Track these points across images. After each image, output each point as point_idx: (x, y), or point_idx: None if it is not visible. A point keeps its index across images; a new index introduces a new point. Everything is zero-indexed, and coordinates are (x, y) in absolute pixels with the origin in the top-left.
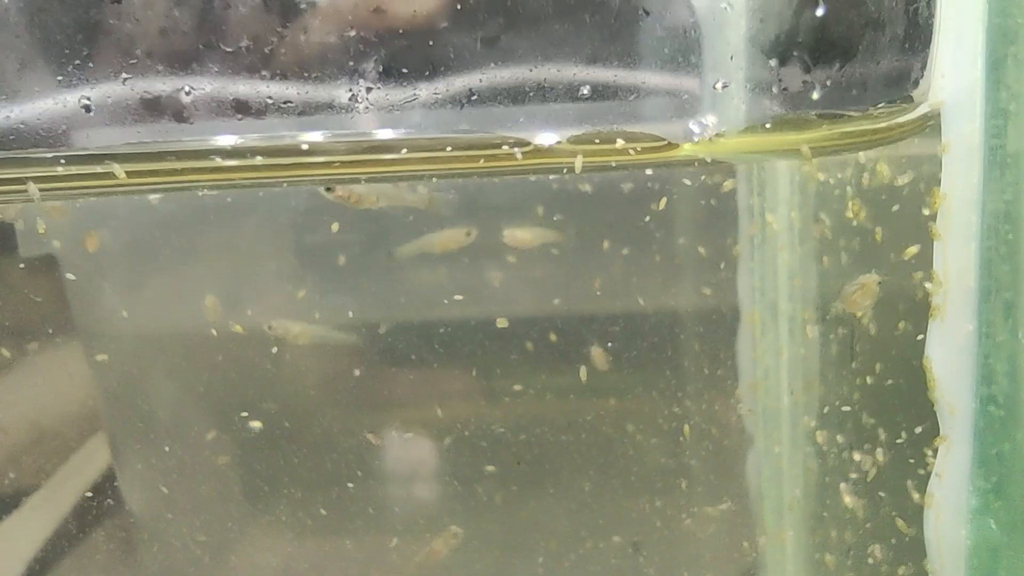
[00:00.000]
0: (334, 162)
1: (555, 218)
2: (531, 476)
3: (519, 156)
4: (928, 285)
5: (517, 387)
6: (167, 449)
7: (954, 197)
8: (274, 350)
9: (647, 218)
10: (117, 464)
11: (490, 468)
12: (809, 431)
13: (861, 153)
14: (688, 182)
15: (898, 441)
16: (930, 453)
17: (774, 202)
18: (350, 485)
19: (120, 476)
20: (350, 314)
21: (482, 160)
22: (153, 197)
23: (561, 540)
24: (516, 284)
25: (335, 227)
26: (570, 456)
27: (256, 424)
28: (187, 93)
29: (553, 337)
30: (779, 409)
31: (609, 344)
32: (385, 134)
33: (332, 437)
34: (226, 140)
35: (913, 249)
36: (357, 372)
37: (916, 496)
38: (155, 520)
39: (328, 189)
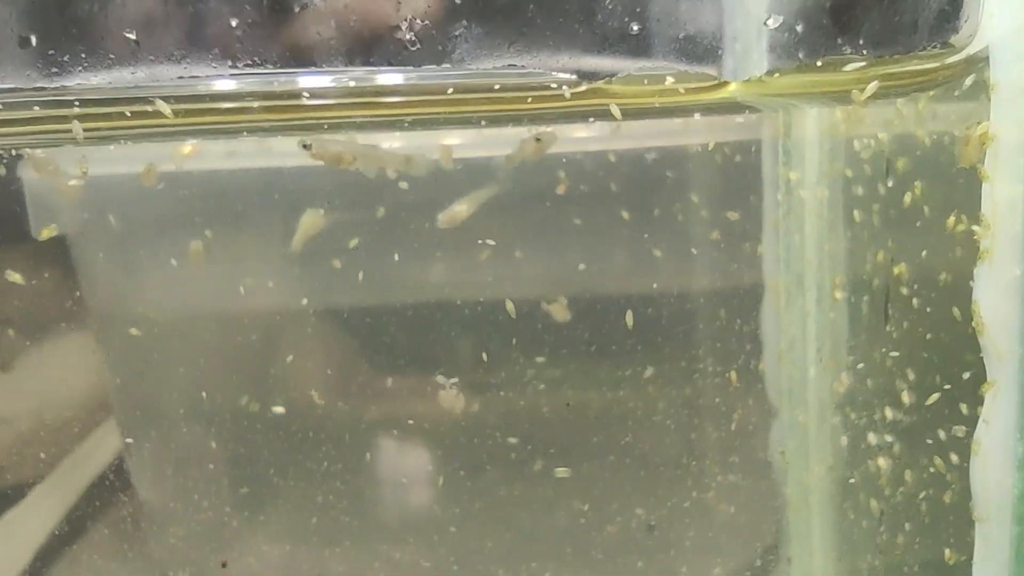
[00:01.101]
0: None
1: (578, 188)
2: (549, 451)
3: (567, 95)
4: (976, 228)
5: (540, 359)
6: (180, 432)
7: (1002, 138)
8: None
9: (666, 189)
10: (127, 451)
11: (512, 440)
12: (839, 399)
13: (900, 105)
14: (711, 147)
15: (933, 398)
16: (965, 410)
17: (801, 171)
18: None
19: (130, 463)
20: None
21: (530, 99)
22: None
23: (579, 517)
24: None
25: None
26: (586, 433)
27: (279, 409)
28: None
29: (568, 313)
30: (805, 379)
31: (630, 316)
32: (431, 74)
33: (342, 425)
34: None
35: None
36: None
37: (955, 456)
38: (164, 507)
39: (306, 146)
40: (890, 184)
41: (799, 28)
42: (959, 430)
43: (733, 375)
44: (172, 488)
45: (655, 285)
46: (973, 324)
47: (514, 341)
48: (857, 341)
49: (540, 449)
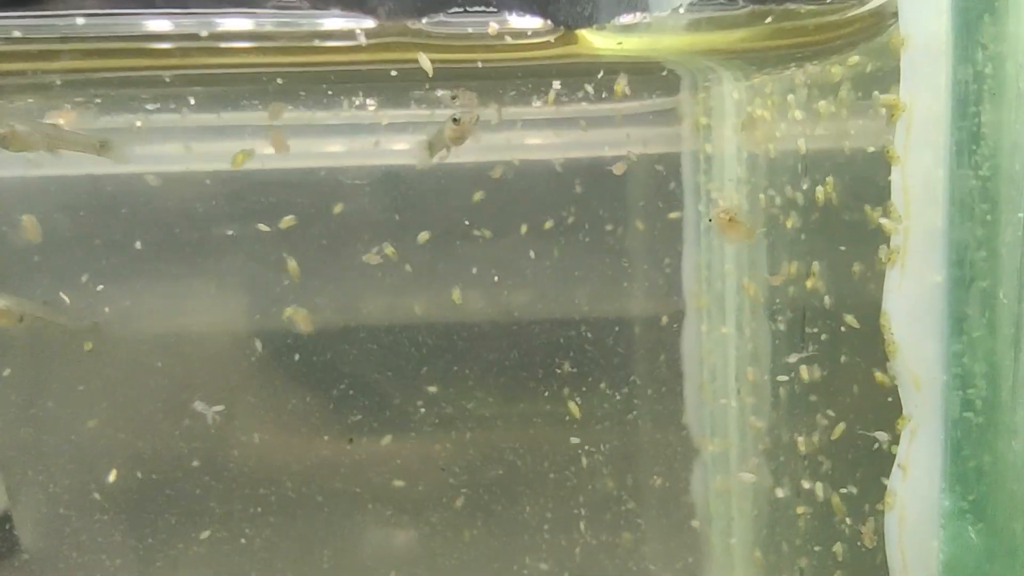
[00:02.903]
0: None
1: (482, 201)
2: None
3: (363, 41)
4: (884, 221)
5: (432, 389)
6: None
7: (915, 109)
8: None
9: (578, 202)
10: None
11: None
12: (758, 435)
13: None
14: (627, 157)
15: (839, 434)
16: (888, 450)
17: (720, 178)
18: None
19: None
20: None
21: (313, 46)
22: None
23: (492, 561)
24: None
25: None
26: (489, 470)
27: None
28: None
29: (464, 342)
30: (726, 412)
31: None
32: None
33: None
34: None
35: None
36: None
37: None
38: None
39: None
40: (805, 187)
41: None
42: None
43: (653, 406)
44: (59, 541)
45: (564, 308)
46: (884, 344)
47: (409, 368)
48: (776, 368)
49: (443, 488)
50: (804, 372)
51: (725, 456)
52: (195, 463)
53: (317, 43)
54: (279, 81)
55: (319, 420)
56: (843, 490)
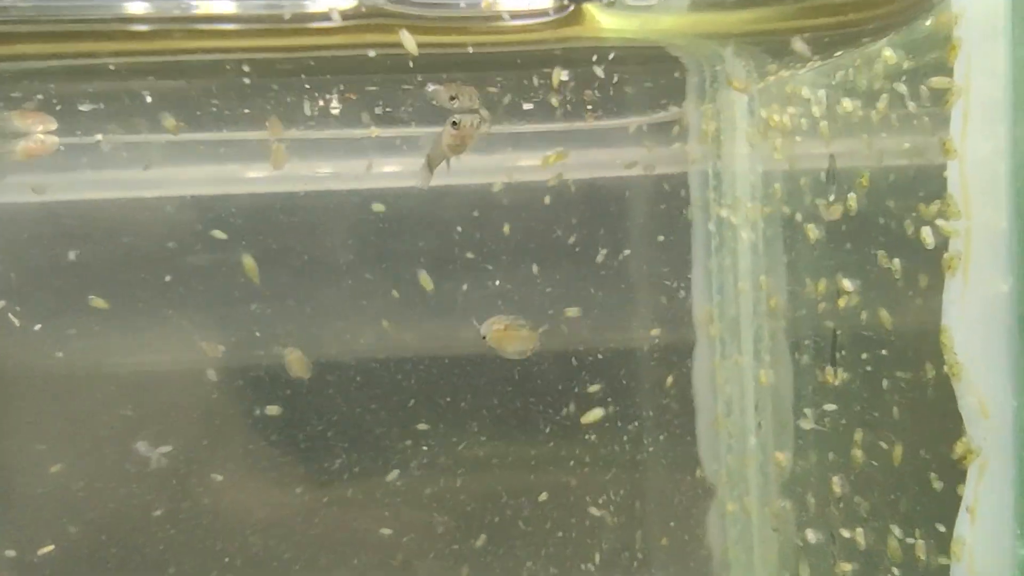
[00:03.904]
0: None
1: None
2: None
3: (337, 19)
4: (941, 224)
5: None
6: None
7: (973, 96)
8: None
9: (582, 223)
10: None
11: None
12: (784, 476)
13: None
14: (633, 173)
15: (894, 473)
16: (941, 489)
17: (732, 193)
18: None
19: None
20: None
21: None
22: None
23: None
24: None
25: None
26: (502, 523)
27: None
28: None
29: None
30: (744, 450)
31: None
32: None
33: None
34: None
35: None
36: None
37: (940, 557)
38: None
39: None
40: (832, 197)
41: None
42: (936, 525)
43: (663, 445)
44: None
45: (565, 338)
46: (946, 366)
47: (411, 403)
48: (802, 398)
49: (450, 529)
50: (835, 401)
51: (744, 498)
52: (153, 513)
53: (292, 25)
54: (245, 68)
55: (293, 462)
56: (893, 538)
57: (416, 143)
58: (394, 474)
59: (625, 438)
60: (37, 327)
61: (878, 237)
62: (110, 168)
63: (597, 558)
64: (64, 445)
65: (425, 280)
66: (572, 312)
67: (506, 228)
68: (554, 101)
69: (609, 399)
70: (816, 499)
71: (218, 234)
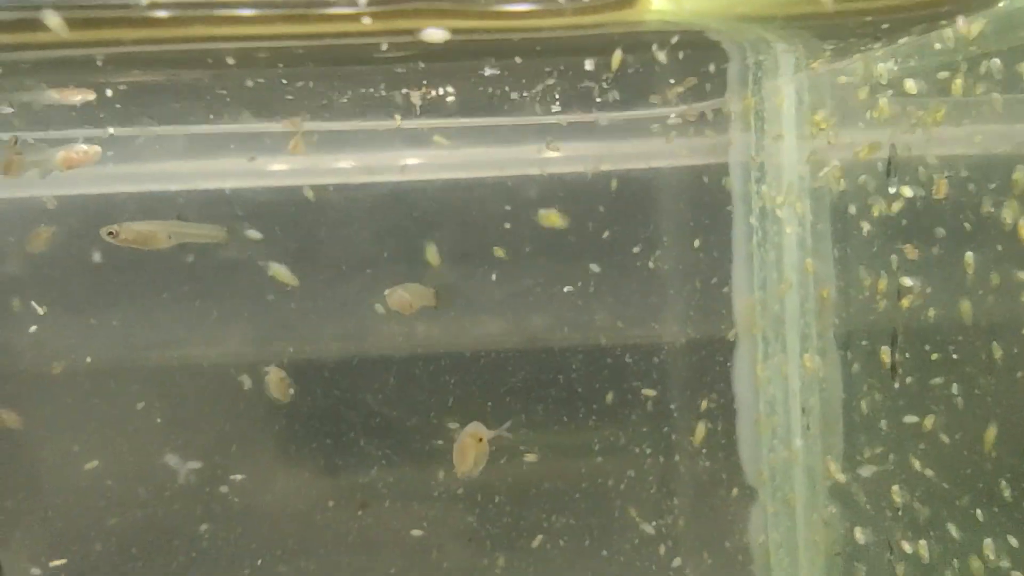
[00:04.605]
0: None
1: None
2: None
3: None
4: None
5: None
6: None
7: None
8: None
9: (616, 217)
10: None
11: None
12: (833, 482)
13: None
14: (670, 166)
15: (972, 482)
16: None
17: (777, 185)
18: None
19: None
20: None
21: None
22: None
23: None
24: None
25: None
26: (543, 513)
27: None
28: None
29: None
30: (790, 452)
31: (564, 383)
32: None
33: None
34: None
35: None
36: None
37: (1015, 572)
38: None
39: (110, 234)
40: (893, 190)
41: None
42: (1008, 538)
43: (700, 446)
44: None
45: (601, 335)
46: None
47: (450, 402)
48: (854, 402)
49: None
50: (893, 404)
51: (788, 500)
52: (182, 519)
53: (316, 11)
54: (263, 56)
55: (322, 462)
56: (955, 548)
57: (449, 134)
58: (428, 474)
59: (662, 439)
60: (62, 324)
61: (947, 230)
62: (136, 161)
63: (634, 561)
64: (95, 443)
65: (432, 254)
66: (606, 307)
67: (539, 222)
68: (589, 90)
69: (645, 399)
70: (871, 506)
71: (253, 234)
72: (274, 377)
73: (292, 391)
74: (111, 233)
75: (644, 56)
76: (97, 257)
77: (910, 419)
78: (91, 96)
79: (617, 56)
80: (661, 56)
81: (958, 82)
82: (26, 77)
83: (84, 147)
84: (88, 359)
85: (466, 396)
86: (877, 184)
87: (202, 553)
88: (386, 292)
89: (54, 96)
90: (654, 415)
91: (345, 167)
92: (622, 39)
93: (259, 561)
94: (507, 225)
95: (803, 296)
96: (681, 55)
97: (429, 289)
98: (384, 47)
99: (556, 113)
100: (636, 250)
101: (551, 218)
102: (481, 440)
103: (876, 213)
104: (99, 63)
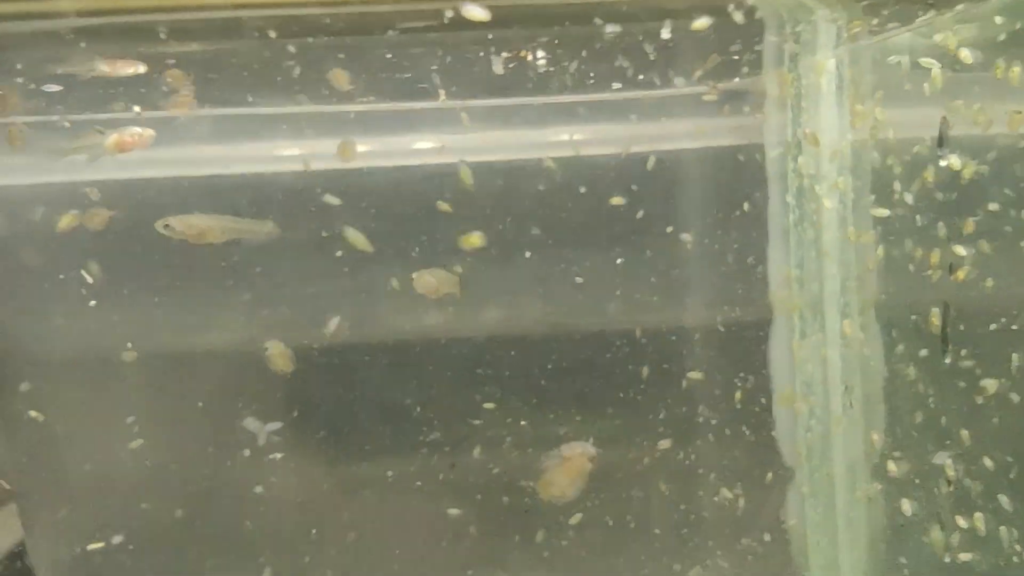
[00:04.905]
0: None
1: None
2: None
3: None
4: None
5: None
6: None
7: None
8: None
9: (647, 196)
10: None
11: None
12: (877, 459)
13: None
14: (701, 143)
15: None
16: None
17: (817, 163)
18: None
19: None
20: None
21: None
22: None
23: None
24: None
25: None
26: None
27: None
28: None
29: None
30: (828, 432)
31: (603, 362)
32: None
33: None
34: None
35: None
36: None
37: None
38: None
39: (166, 226)
40: (943, 163)
41: None
42: None
43: (735, 426)
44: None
45: (637, 314)
46: None
47: (483, 382)
48: (898, 377)
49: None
50: (940, 381)
51: (827, 480)
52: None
53: None
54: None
55: (363, 442)
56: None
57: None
58: (470, 452)
59: (697, 419)
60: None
61: (1001, 202)
62: (182, 144)
63: (671, 542)
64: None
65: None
66: (640, 288)
67: (573, 202)
68: (621, 67)
69: (681, 379)
70: (919, 480)
71: (330, 199)
72: (275, 351)
73: (293, 362)
74: (167, 226)
75: (681, 31)
76: (152, 237)
77: (962, 392)
78: (142, 69)
79: (666, 24)
80: (700, 24)
81: (1015, 51)
82: (75, 48)
83: (138, 130)
84: (143, 341)
85: (501, 380)
86: (927, 157)
87: (259, 518)
88: (413, 275)
89: (104, 68)
90: (689, 396)
91: (378, 149)
92: (662, 11)
93: (313, 531)
94: (542, 206)
95: (844, 274)
96: (717, 30)
97: (454, 276)
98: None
99: (589, 90)
100: (670, 230)
101: (585, 199)
102: (592, 459)
103: (925, 184)
104: (161, 34)
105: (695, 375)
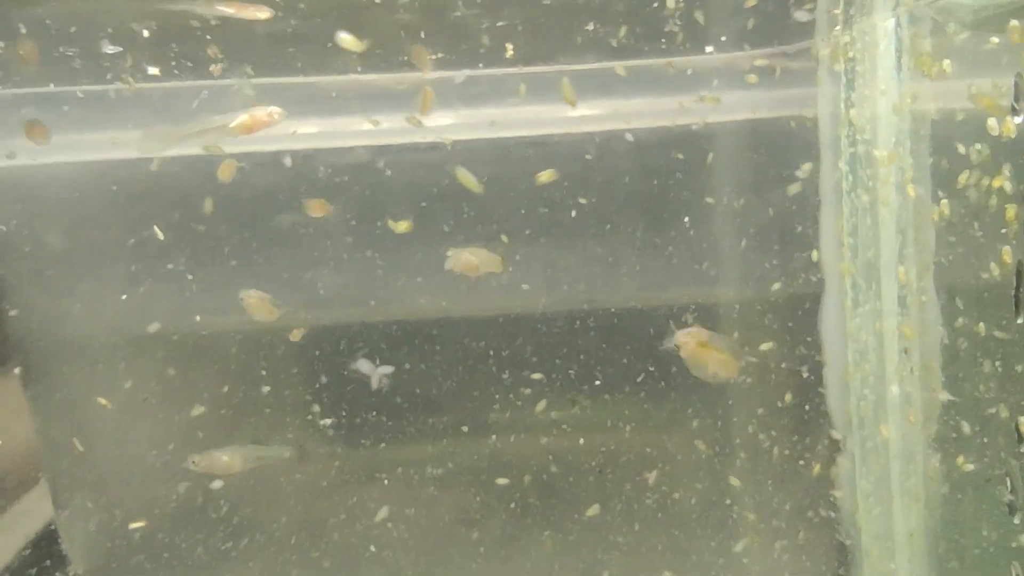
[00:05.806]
0: None
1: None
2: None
3: None
4: None
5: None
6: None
7: None
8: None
9: (696, 168)
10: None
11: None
12: (937, 432)
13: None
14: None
15: None
16: None
17: (874, 128)
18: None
19: (62, 531)
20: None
21: None
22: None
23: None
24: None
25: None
26: (607, 471)
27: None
28: None
29: (586, 322)
30: (883, 402)
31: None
32: None
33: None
34: None
35: None
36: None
37: None
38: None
39: (193, 463)
40: (1018, 120)
41: None
42: None
43: (787, 398)
44: (107, 559)
45: (686, 285)
46: None
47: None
48: (960, 341)
49: (564, 489)
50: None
51: (879, 451)
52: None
53: None
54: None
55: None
56: None
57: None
58: (511, 425)
59: (748, 391)
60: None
61: None
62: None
63: (721, 518)
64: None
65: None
66: (689, 259)
67: (623, 176)
68: (672, 32)
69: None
70: (987, 438)
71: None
72: (254, 300)
73: (277, 311)
74: (194, 462)
75: None
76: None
77: None
78: (266, 15)
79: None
80: None
81: None
82: None
83: (270, 108)
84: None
85: (543, 357)
86: (996, 117)
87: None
88: (449, 253)
89: (228, 11)
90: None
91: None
92: None
93: (354, 499)
94: (588, 178)
95: (902, 240)
96: None
97: (495, 256)
98: None
99: (635, 58)
100: (722, 201)
101: (630, 172)
102: (705, 345)
103: (994, 141)
104: None
105: (742, 347)
